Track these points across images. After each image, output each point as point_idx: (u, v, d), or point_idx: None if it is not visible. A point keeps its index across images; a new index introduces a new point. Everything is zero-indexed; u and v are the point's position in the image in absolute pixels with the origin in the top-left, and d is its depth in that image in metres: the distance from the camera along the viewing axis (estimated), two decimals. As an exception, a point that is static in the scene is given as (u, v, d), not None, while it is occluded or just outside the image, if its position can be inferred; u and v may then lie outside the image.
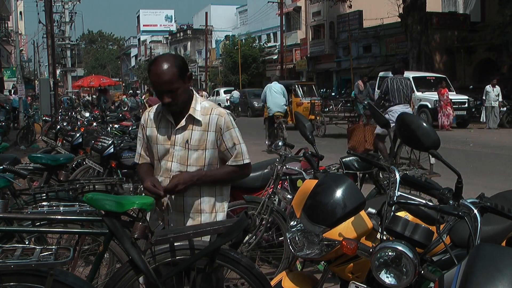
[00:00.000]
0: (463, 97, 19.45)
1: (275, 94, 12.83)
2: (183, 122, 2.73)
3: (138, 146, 2.95)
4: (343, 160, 4.58)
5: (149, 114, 2.87)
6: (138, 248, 2.42)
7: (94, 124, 9.67)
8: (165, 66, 2.62)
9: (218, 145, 2.77)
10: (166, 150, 2.76)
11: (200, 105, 2.77)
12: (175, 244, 2.48)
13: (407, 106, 8.64)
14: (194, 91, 2.84)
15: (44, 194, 3.99)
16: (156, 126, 2.81)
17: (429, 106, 18.93)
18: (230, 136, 2.77)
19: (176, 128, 2.74)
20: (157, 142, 2.79)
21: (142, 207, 2.47)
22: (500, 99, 18.82)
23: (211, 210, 2.80)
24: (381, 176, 4.56)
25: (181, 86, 2.66)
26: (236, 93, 34.00)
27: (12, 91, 25.48)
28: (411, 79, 6.49)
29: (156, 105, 2.89)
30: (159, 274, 2.44)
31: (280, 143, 4.63)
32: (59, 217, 2.86)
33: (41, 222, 3.01)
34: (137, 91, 48.61)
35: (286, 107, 13.47)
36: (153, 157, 2.87)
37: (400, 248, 2.07)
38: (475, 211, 2.11)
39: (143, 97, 31.34)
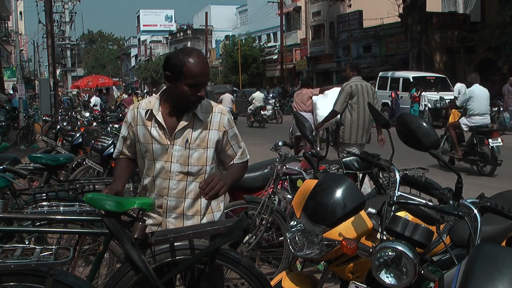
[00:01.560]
0: (463, 97, 19.44)
1: None
2: (186, 121, 2.63)
3: (119, 143, 2.83)
4: (343, 160, 4.58)
5: (139, 110, 2.72)
6: (138, 248, 2.42)
7: (94, 124, 9.68)
8: (204, 59, 2.64)
9: (221, 144, 2.73)
10: (164, 150, 2.65)
11: (201, 104, 2.68)
12: (175, 244, 2.48)
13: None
14: None
15: (44, 194, 3.99)
16: (149, 124, 2.69)
17: (429, 106, 18.94)
18: (234, 134, 2.77)
19: (178, 128, 2.63)
20: (152, 141, 2.66)
21: (142, 207, 2.47)
22: None
23: (210, 210, 2.76)
24: (381, 176, 4.56)
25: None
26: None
27: (9, 92, 25.45)
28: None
29: (142, 102, 2.77)
30: (159, 274, 2.44)
31: (280, 143, 4.63)
32: (59, 217, 2.86)
33: (41, 222, 3.01)
34: (137, 91, 48.64)
35: None
36: (135, 156, 2.79)
37: (400, 248, 2.07)
38: (475, 211, 2.11)
39: (117, 97, 30.78)
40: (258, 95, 23.00)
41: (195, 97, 2.59)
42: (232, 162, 2.81)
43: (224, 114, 2.72)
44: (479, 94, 9.46)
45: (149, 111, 2.68)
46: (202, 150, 2.67)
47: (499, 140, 9.10)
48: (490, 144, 9.02)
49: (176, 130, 2.64)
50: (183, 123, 2.64)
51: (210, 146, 2.69)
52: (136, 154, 2.79)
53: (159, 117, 2.65)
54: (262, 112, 22.04)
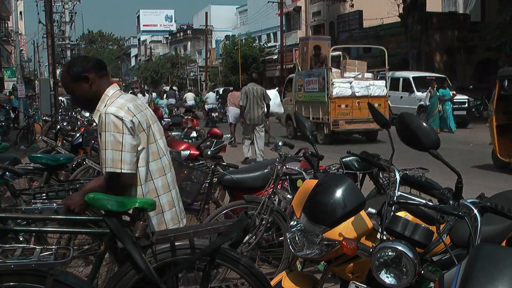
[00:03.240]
0: (463, 97, 19.44)
1: None
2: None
3: None
4: (343, 160, 4.58)
5: None
6: (139, 248, 2.42)
7: (94, 124, 9.67)
8: (62, 71, 2.92)
9: None
10: None
11: (106, 104, 2.70)
12: (175, 243, 2.49)
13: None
14: (112, 91, 2.77)
15: (44, 194, 3.98)
16: None
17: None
18: (100, 139, 2.66)
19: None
20: None
21: (143, 206, 2.48)
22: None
23: None
24: (381, 176, 4.56)
25: (76, 88, 2.75)
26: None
27: (7, 92, 25.41)
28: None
29: None
30: (160, 274, 2.44)
31: (280, 143, 4.63)
32: (60, 217, 2.86)
33: (38, 222, 3.00)
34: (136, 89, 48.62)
35: None
36: None
37: (400, 248, 2.07)
38: (475, 211, 2.11)
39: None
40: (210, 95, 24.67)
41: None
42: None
43: (102, 116, 2.65)
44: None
45: None
46: (102, 152, 2.71)
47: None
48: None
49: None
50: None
51: (106, 148, 2.64)
52: None
53: None
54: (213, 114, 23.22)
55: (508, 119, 9.29)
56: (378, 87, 14.76)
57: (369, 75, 15.49)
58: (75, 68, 2.75)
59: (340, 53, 17.34)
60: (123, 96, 2.77)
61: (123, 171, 2.57)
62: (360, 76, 14.95)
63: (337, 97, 14.21)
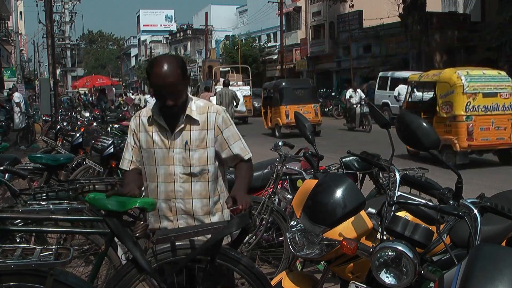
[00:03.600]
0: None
1: None
2: (181, 124, 2.67)
3: (127, 152, 2.84)
4: (343, 160, 4.58)
5: (141, 118, 2.78)
6: (140, 248, 2.43)
7: (94, 124, 9.69)
8: (169, 67, 2.55)
9: (218, 143, 2.74)
10: (165, 154, 2.68)
11: (195, 104, 2.73)
12: (176, 243, 2.49)
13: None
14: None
15: (44, 194, 3.98)
16: (151, 130, 2.73)
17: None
18: (230, 133, 2.76)
19: (176, 130, 2.67)
20: (153, 146, 2.71)
21: (143, 206, 2.48)
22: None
23: (219, 208, 2.80)
24: (381, 176, 4.56)
25: (184, 88, 2.64)
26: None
27: (6, 93, 25.36)
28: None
29: (143, 110, 2.85)
30: (160, 273, 2.44)
31: (280, 143, 4.63)
32: (59, 217, 2.86)
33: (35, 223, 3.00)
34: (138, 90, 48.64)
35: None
36: (141, 164, 2.80)
37: (400, 248, 2.07)
38: (475, 211, 2.11)
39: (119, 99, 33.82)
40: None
41: (163, 106, 2.61)
42: (235, 163, 2.82)
43: (219, 114, 2.73)
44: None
45: (151, 117, 2.74)
46: (202, 150, 2.70)
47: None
48: None
49: (174, 132, 2.68)
50: (179, 126, 2.68)
51: (209, 145, 2.72)
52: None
53: (161, 121, 2.70)
54: None
55: (269, 107, 18.51)
56: (245, 90, 24.70)
57: (241, 83, 25.96)
58: (184, 67, 2.65)
59: (229, 68, 29.62)
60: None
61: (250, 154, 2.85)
62: (235, 83, 24.42)
63: None
